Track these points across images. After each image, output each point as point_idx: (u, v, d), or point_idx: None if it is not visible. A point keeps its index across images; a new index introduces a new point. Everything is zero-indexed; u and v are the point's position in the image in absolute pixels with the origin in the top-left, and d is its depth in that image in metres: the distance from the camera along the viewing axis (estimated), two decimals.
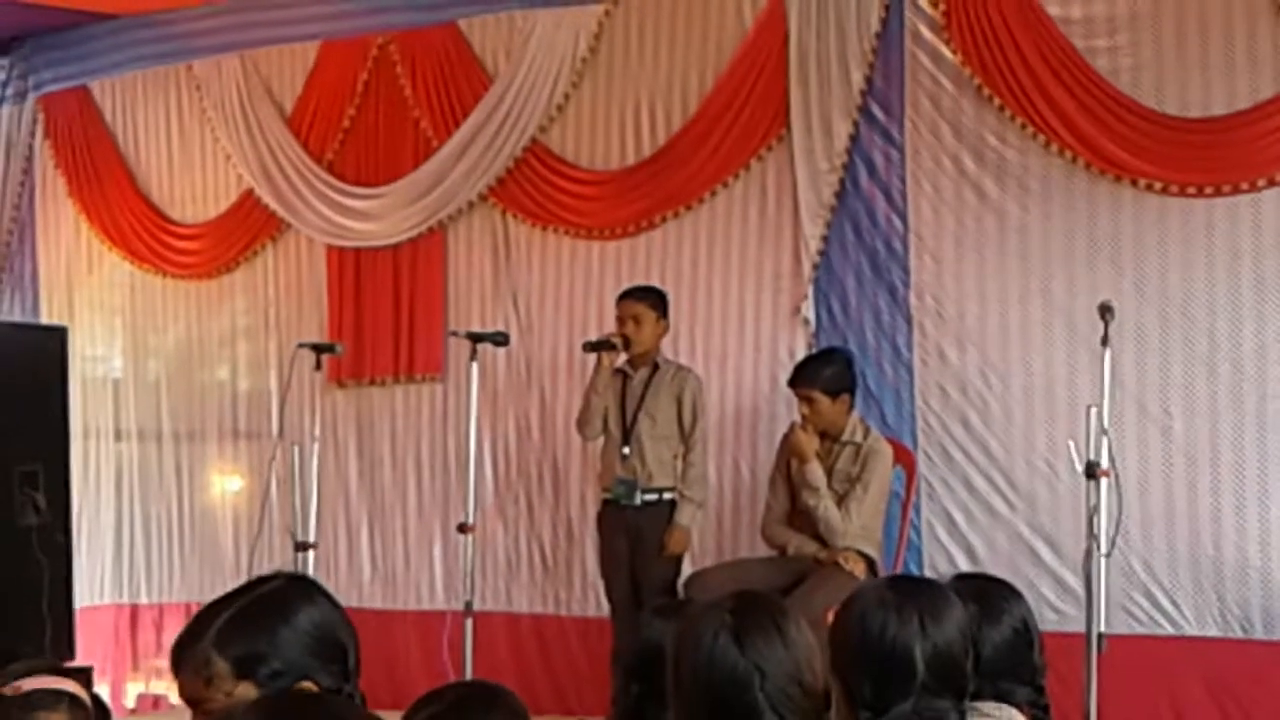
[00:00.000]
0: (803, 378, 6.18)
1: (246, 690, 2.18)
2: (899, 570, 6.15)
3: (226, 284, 8.34)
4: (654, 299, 6.49)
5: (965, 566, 6.18)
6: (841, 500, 6.04)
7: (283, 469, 6.70)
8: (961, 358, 6.49)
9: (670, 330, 6.59)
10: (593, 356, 6.48)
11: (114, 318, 8.74)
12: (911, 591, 2.66)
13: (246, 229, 8.22)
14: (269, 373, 8.17)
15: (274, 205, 8.06)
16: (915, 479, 6.39)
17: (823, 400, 6.09)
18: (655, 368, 6.46)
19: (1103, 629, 5.11)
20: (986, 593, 3.00)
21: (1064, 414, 6.15)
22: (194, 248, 8.41)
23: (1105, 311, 5.33)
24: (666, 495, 6.38)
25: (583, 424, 6.55)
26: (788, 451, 6.22)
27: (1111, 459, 5.17)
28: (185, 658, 2.23)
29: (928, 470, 6.47)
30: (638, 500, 6.34)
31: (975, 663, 2.67)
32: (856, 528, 6.02)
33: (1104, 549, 5.12)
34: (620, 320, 6.44)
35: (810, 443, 6.09)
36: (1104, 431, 5.16)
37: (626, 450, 6.38)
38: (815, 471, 6.05)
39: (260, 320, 8.23)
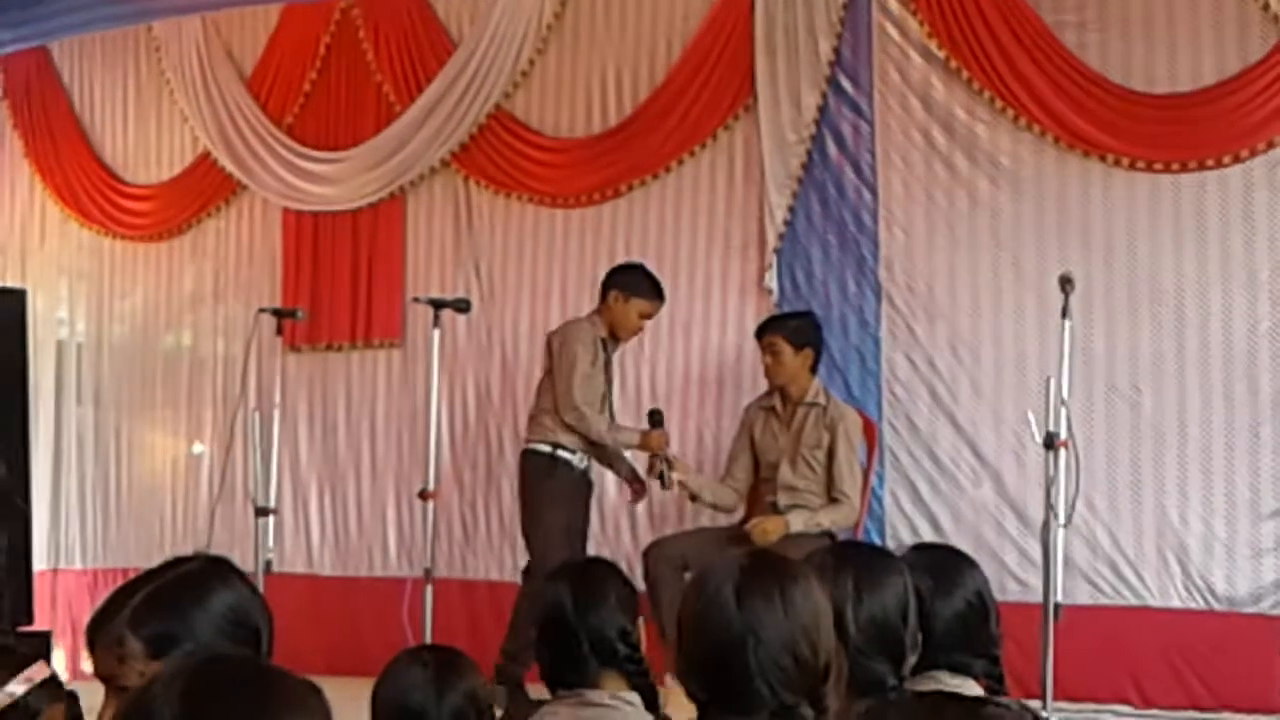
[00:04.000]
0: (768, 325, 6.12)
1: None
2: (859, 538, 6.12)
3: (178, 246, 8.24)
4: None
5: (929, 537, 6.17)
6: (830, 476, 5.95)
7: (241, 435, 6.63)
8: (930, 330, 6.46)
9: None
10: (542, 327, 6.42)
11: (66, 280, 8.64)
12: (851, 556, 2.68)
13: (199, 191, 8.13)
14: (219, 337, 8.09)
15: (231, 168, 7.96)
16: (877, 449, 6.36)
17: (786, 349, 6.01)
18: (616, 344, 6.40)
19: (1060, 599, 5.08)
20: (941, 564, 2.95)
21: (1032, 387, 6.09)
22: (145, 209, 8.32)
23: (1065, 283, 5.25)
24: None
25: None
26: (748, 425, 6.18)
27: (1070, 430, 5.13)
28: (99, 635, 2.25)
29: (893, 441, 6.44)
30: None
31: (927, 634, 2.65)
32: (853, 488, 5.95)
33: (1062, 519, 5.10)
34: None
35: (776, 528, 5.84)
36: (1062, 402, 5.13)
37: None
38: (796, 524, 5.86)
39: (211, 284, 8.14)
